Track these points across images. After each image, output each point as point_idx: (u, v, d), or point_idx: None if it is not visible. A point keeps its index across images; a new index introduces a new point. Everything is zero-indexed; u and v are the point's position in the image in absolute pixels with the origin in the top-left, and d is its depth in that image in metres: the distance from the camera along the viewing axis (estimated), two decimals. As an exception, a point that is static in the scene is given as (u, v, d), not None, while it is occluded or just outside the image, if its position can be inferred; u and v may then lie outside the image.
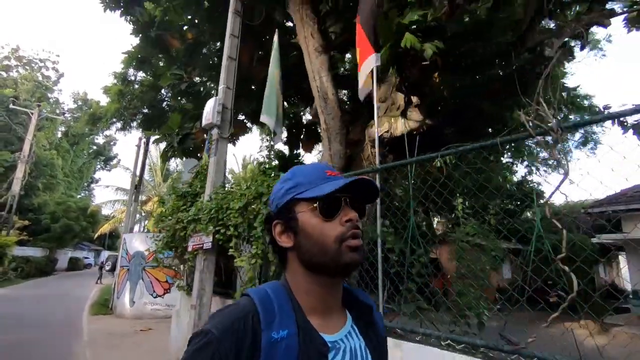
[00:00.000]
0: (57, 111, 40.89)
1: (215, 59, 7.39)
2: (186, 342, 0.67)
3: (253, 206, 3.31)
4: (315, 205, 0.72)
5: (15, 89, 32.68)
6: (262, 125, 7.75)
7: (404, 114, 4.40)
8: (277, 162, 3.72)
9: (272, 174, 3.49)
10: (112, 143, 46.31)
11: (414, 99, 4.39)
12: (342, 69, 8.11)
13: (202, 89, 7.79)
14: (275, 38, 4.17)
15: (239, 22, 4.57)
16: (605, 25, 4.23)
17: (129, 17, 7.12)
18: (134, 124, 11.57)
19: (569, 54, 5.26)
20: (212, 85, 8.04)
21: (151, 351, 6.25)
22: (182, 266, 4.74)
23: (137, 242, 10.41)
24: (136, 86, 10.44)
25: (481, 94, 4.62)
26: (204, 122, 4.25)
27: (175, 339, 4.98)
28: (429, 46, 2.98)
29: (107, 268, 21.70)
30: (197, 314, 3.72)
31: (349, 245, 0.70)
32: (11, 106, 20.73)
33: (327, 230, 0.71)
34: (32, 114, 20.60)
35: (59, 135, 41.55)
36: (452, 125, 4.86)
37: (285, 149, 9.16)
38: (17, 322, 8.23)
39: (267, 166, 3.71)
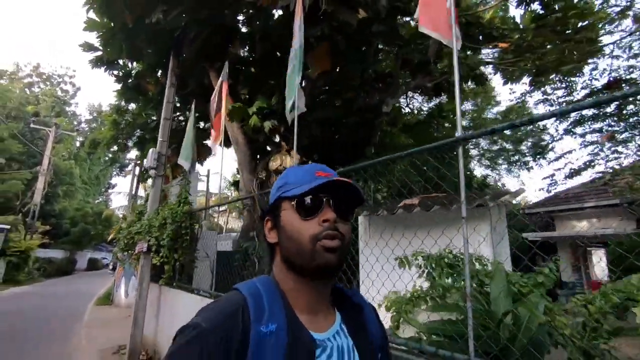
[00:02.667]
0: (75, 122, 44.27)
1: (178, 104, 9.37)
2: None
3: (165, 225, 5.25)
4: (293, 203, 0.73)
5: (36, 105, 35.91)
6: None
7: (288, 153, 6.23)
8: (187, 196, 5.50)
9: (180, 204, 5.41)
10: (126, 151, 49.14)
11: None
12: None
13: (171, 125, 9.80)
14: (192, 106, 6.07)
15: (173, 91, 6.50)
16: (425, 88, 5.91)
17: (111, 72, 9.16)
18: (130, 144, 13.74)
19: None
20: (180, 120, 10.05)
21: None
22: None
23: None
24: (128, 115, 12.58)
25: (342, 138, 6.41)
26: (146, 164, 6.19)
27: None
28: (267, 124, 4.78)
29: (110, 268, 23.29)
30: (139, 293, 5.69)
31: (323, 246, 0.69)
32: (32, 125, 23.36)
33: (304, 229, 0.71)
34: (49, 132, 23.26)
35: (77, 144, 44.90)
36: (322, 159, 6.65)
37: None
38: (36, 311, 10.46)
39: (182, 198, 5.63)
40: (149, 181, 8.87)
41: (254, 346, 0.63)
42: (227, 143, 10.62)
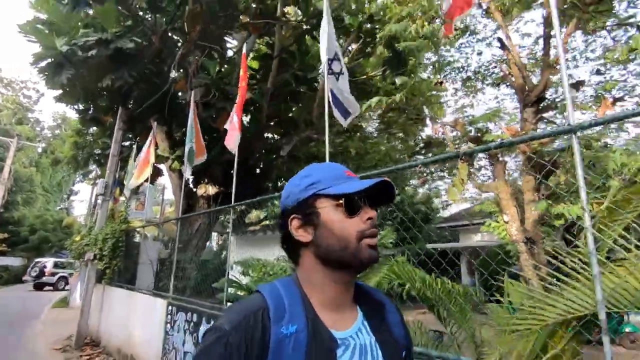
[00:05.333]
0: (38, 129, 44.03)
1: (130, 135, 11.14)
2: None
3: (107, 239, 7.08)
4: (340, 201, 0.75)
5: (-3, 112, 35.84)
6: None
7: (208, 184, 8.24)
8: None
9: (120, 223, 7.25)
10: (86, 167, 48.96)
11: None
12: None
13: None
14: (135, 147, 7.93)
15: (121, 134, 8.34)
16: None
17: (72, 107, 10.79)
18: (91, 162, 15.18)
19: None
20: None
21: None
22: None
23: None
24: (88, 136, 14.08)
25: (250, 172, 8.54)
26: (98, 190, 7.97)
27: (87, 311, 8.64)
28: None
29: (33, 274, 20.56)
30: (85, 292, 7.45)
31: (368, 243, 0.74)
32: (-7, 136, 23.95)
33: (350, 226, 0.74)
34: (11, 142, 23.95)
35: (39, 150, 44.51)
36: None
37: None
38: (-3, 311, 11.72)
39: (122, 218, 7.46)
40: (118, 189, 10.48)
41: (274, 347, 0.66)
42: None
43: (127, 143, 12.52)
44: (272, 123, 9.05)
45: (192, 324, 4.21)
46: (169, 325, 4.77)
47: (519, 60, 4.70)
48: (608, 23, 5.08)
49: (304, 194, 0.77)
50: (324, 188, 0.76)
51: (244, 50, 4.45)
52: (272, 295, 0.72)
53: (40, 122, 46.52)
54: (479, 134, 4.49)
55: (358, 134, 10.80)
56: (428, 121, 6.86)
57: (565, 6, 4.48)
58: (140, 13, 5.86)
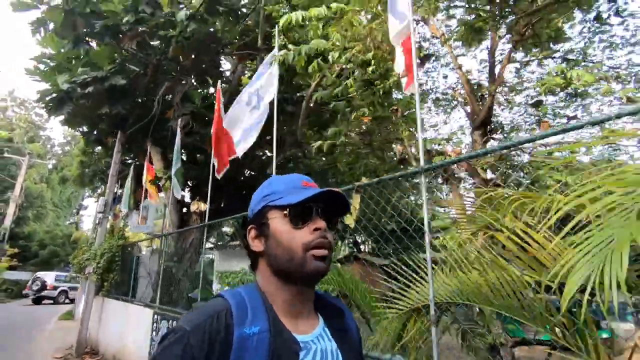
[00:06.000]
0: (48, 146, 45.54)
1: (131, 155, 11.86)
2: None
3: (104, 255, 7.66)
4: (285, 212, 0.75)
5: (10, 131, 37.29)
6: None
7: (200, 201, 8.81)
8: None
9: (117, 237, 7.84)
10: (92, 185, 50.42)
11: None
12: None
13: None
14: (131, 169, 8.58)
15: (119, 155, 9.00)
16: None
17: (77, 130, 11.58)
18: (96, 179, 15.96)
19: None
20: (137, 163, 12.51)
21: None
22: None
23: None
24: (94, 155, 14.88)
25: (239, 187, 9.12)
26: (98, 208, 8.59)
27: (88, 321, 9.20)
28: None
29: (35, 288, 20.59)
30: (85, 304, 8.01)
31: (314, 254, 0.73)
32: (6, 155, 25.09)
33: (296, 237, 0.74)
34: (22, 160, 25.03)
35: (50, 166, 45.94)
36: (225, 203, 9.27)
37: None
38: (6, 324, 12.35)
39: (119, 235, 8.05)
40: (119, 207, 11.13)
41: (237, 347, 0.66)
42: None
43: (129, 160, 13.31)
44: (265, 139, 9.69)
45: (172, 330, 4.72)
46: (154, 333, 5.28)
47: (467, 87, 5.21)
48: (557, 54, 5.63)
49: (259, 205, 0.80)
50: (275, 199, 0.78)
51: (218, 86, 5.03)
52: (235, 298, 0.73)
53: (51, 140, 48.06)
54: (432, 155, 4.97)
55: (348, 149, 11.39)
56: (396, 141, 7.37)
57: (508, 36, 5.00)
58: (132, 49, 6.55)
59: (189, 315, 0.71)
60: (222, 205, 9.13)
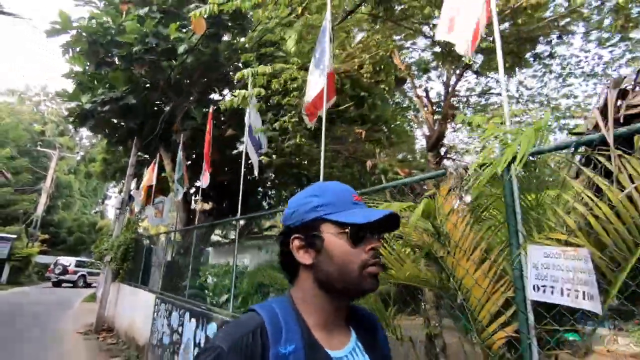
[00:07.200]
0: (77, 139, 48.32)
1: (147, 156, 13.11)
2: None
3: (120, 246, 8.89)
4: (346, 230, 0.74)
5: (43, 125, 39.94)
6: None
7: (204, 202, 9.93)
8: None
9: (131, 231, 9.05)
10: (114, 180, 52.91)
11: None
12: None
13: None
14: (144, 173, 9.77)
15: (135, 159, 10.21)
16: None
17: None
18: (118, 175, 17.45)
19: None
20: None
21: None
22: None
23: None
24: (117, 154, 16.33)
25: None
26: (115, 205, 9.84)
27: (106, 303, 10.55)
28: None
29: (57, 272, 22.24)
30: (103, 288, 9.30)
31: (370, 272, 0.74)
32: (39, 148, 27.22)
33: (353, 256, 0.74)
34: (54, 154, 27.11)
35: (78, 158, 48.74)
36: (228, 204, 10.31)
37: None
38: (37, 303, 13.99)
39: (133, 229, 9.26)
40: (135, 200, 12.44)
41: None
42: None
43: (148, 157, 14.68)
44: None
45: (167, 312, 5.82)
46: (155, 313, 6.40)
47: (424, 112, 5.98)
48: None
49: (309, 215, 0.77)
50: (330, 213, 0.76)
51: (210, 110, 6.03)
52: (269, 315, 0.72)
53: (79, 132, 50.90)
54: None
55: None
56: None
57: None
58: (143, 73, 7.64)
59: (225, 333, 0.71)
60: (223, 205, 10.23)
